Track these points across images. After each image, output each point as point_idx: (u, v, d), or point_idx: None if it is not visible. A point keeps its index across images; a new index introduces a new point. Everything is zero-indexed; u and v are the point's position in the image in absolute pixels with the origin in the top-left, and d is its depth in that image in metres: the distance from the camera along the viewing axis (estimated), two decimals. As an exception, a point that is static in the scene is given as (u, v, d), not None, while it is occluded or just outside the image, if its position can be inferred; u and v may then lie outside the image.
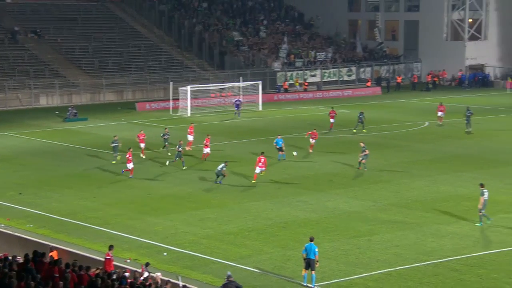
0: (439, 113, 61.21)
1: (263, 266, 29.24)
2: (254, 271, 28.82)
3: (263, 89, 75.52)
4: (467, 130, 57.30)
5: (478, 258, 29.85)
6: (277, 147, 48.14)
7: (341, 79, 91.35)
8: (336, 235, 32.97)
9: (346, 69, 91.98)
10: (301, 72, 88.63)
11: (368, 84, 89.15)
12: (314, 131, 50.82)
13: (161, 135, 50.43)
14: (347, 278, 27.93)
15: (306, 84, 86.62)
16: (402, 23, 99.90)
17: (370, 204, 38.01)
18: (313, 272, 26.97)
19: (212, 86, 75.67)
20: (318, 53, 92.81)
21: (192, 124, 53.90)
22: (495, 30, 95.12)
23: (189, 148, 50.13)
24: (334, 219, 35.62)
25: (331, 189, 40.99)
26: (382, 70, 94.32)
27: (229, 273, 25.10)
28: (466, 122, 57.83)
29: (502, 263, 29.23)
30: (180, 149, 45.95)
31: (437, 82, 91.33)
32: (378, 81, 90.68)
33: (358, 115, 59.19)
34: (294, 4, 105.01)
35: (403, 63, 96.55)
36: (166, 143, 50.05)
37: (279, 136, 48.77)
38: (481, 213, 34.02)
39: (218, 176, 41.75)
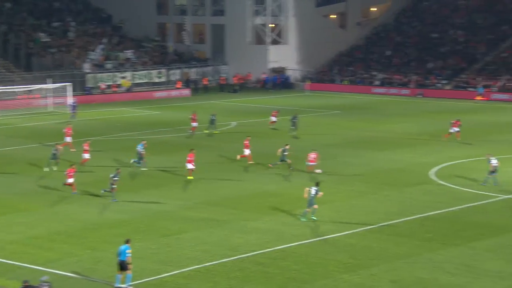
0: (273, 118, 62.21)
1: (73, 269, 28.64)
2: (63, 274, 28.15)
3: (73, 91, 74.03)
4: (292, 133, 58.38)
5: (281, 251, 30.76)
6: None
7: (151, 81, 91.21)
8: (146, 235, 32.88)
9: (156, 71, 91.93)
10: (112, 74, 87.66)
11: (178, 86, 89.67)
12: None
13: None
14: (158, 276, 27.91)
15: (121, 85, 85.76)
16: (209, 27, 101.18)
17: (180, 203, 38.25)
18: (127, 272, 26.74)
19: (18, 88, 73.18)
20: (127, 55, 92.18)
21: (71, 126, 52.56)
22: (295, 35, 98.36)
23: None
24: (145, 219, 35.51)
25: (143, 190, 40.86)
26: (191, 72, 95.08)
27: (44, 277, 24.35)
28: (292, 126, 58.91)
29: (302, 255, 30.27)
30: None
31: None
32: (187, 83, 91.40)
33: (211, 116, 59.67)
34: (102, 6, 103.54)
35: (211, 66, 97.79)
36: None
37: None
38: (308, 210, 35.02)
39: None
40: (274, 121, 61.56)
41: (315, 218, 34.94)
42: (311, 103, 79.74)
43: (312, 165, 44.20)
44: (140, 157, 46.01)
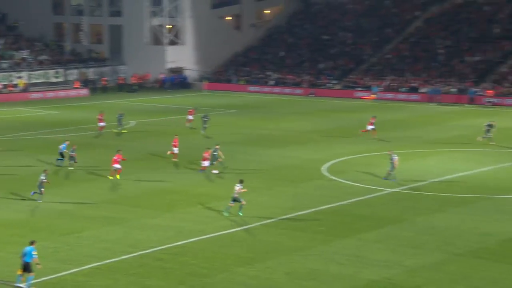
0: (189, 117, 61.75)
1: (-31, 270, 27.87)
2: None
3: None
4: (202, 133, 58.18)
5: (180, 247, 30.80)
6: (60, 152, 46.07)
7: (49, 80, 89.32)
8: (46, 234, 32.26)
9: (53, 71, 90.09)
10: (7, 73, 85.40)
11: (76, 85, 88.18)
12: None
13: None
14: (57, 275, 27.46)
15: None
16: (107, 27, 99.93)
17: (80, 202, 37.73)
18: (30, 274, 26.19)
19: None
20: (22, 55, 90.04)
21: None
22: (191, 36, 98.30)
23: None
24: (45, 219, 34.89)
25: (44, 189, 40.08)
26: (89, 72, 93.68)
27: None
28: (203, 126, 58.50)
29: (200, 250, 30.40)
30: None
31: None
32: (85, 83, 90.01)
33: (118, 116, 58.89)
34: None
35: (109, 66, 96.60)
36: None
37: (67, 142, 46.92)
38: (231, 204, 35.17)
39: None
40: (191, 120, 61.50)
41: (241, 214, 35.12)
42: (209, 102, 79.89)
43: (205, 164, 44.14)
44: (62, 155, 45.59)
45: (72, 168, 44.84)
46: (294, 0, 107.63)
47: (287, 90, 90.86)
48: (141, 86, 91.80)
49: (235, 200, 35.13)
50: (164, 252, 30.15)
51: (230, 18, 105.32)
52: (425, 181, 42.20)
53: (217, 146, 45.29)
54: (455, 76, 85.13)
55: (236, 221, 34.48)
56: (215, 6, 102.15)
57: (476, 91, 79.57)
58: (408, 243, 31.09)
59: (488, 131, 52.81)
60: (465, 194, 39.32)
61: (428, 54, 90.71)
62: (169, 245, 30.91)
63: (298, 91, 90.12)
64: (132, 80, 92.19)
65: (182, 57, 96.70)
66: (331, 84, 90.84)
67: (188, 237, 32.09)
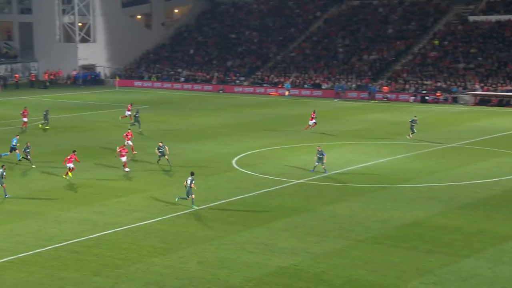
0: (127, 113, 60.50)
1: None
2: None
3: None
4: (139, 130, 57.14)
5: (95, 239, 30.37)
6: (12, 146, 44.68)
7: None
8: (-41, 229, 31.33)
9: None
10: None
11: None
12: None
13: None
14: (-28, 269, 26.73)
15: None
16: (17, 25, 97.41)
17: (-7, 197, 36.78)
18: None
19: None
20: None
21: None
22: (103, 34, 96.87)
23: None
24: (-43, 214, 33.83)
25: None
26: (0, 68, 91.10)
27: None
28: (135, 122, 57.31)
29: (115, 242, 30.06)
30: None
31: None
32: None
33: (44, 112, 58.00)
34: None
35: (20, 62, 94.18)
36: None
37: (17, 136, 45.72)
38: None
39: None
40: (127, 115, 60.53)
41: (195, 207, 34.76)
42: (121, 98, 78.89)
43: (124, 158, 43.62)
44: (12, 150, 44.95)
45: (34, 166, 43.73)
46: (202, 0, 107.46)
47: (197, 86, 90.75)
48: (53, 83, 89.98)
49: (188, 194, 34.69)
50: (79, 244, 29.66)
51: (140, 16, 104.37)
52: (329, 172, 42.88)
53: (160, 143, 44.48)
54: (354, 73, 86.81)
55: (150, 213, 34.24)
56: (126, 5, 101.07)
57: (375, 88, 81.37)
58: (313, 231, 31.55)
59: (412, 126, 53.58)
60: (364, 184, 40.16)
61: (329, 53, 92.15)
62: (84, 238, 30.44)
63: (208, 87, 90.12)
64: (44, 77, 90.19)
65: (94, 54, 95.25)
66: (239, 81, 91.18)
67: (103, 229, 31.67)
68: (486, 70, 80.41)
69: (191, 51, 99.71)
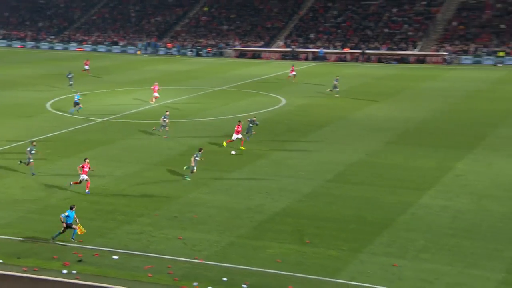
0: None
1: None
2: None
3: None
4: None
5: None
6: None
7: None
8: None
9: None
10: None
11: None
12: None
13: None
14: None
15: None
16: None
17: None
18: None
19: None
20: None
21: None
22: None
23: None
24: None
25: None
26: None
27: None
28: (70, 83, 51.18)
29: None
30: None
31: None
32: None
33: None
34: None
35: None
36: None
37: None
38: None
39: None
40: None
41: (188, 179, 28.23)
42: None
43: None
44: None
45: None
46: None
47: (15, 43, 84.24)
48: None
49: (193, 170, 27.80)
50: None
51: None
52: (124, 112, 42.19)
53: (167, 112, 36.50)
54: (144, 33, 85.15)
55: (-24, 150, 31.76)
56: None
57: (158, 44, 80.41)
58: (115, 159, 31.09)
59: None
60: (156, 120, 39.85)
61: (123, 16, 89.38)
62: None
63: (23, 43, 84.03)
64: None
65: None
66: (49, 39, 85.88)
67: None
68: (243, 31, 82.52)
69: (6, 14, 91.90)
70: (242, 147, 32.67)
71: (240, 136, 32.83)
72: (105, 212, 23.90)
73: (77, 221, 21.13)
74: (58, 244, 20.70)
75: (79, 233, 20.93)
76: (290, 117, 40.51)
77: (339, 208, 24.23)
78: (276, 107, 44.36)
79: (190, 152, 32.32)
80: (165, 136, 34.93)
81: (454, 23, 74.36)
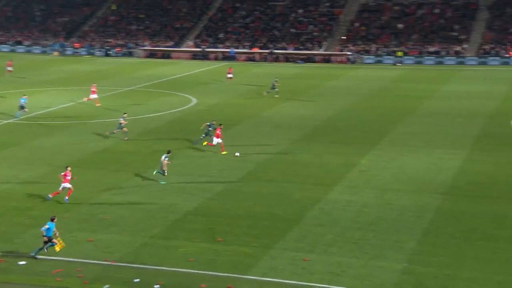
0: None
1: None
2: None
3: None
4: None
5: None
6: None
7: None
8: None
9: None
10: None
11: None
12: None
13: None
14: None
15: None
16: None
17: None
18: None
19: None
20: None
21: None
22: None
23: None
24: None
25: None
26: None
27: None
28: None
29: None
30: None
31: None
32: None
33: None
34: None
35: None
36: None
37: None
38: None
39: None
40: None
41: (163, 182, 27.21)
42: None
43: None
44: None
45: None
46: None
47: None
48: None
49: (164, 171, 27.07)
50: None
51: None
52: (34, 112, 40.61)
53: (125, 115, 35.60)
54: (50, 32, 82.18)
55: None
56: None
57: (65, 43, 77.88)
58: (23, 161, 29.89)
59: (274, 86, 47.91)
60: (64, 121, 38.77)
61: (27, 15, 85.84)
62: None
63: None
64: None
65: None
66: None
67: None
68: (152, 31, 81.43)
69: None
70: (224, 152, 31.24)
71: (220, 140, 31.51)
72: (10, 216, 22.92)
73: (57, 234, 19.60)
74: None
75: (57, 249, 19.34)
76: (201, 116, 40.48)
77: (250, 205, 24.49)
78: (187, 106, 44.19)
79: (103, 153, 31.58)
80: (126, 138, 33.84)
81: (356, 24, 76.94)
